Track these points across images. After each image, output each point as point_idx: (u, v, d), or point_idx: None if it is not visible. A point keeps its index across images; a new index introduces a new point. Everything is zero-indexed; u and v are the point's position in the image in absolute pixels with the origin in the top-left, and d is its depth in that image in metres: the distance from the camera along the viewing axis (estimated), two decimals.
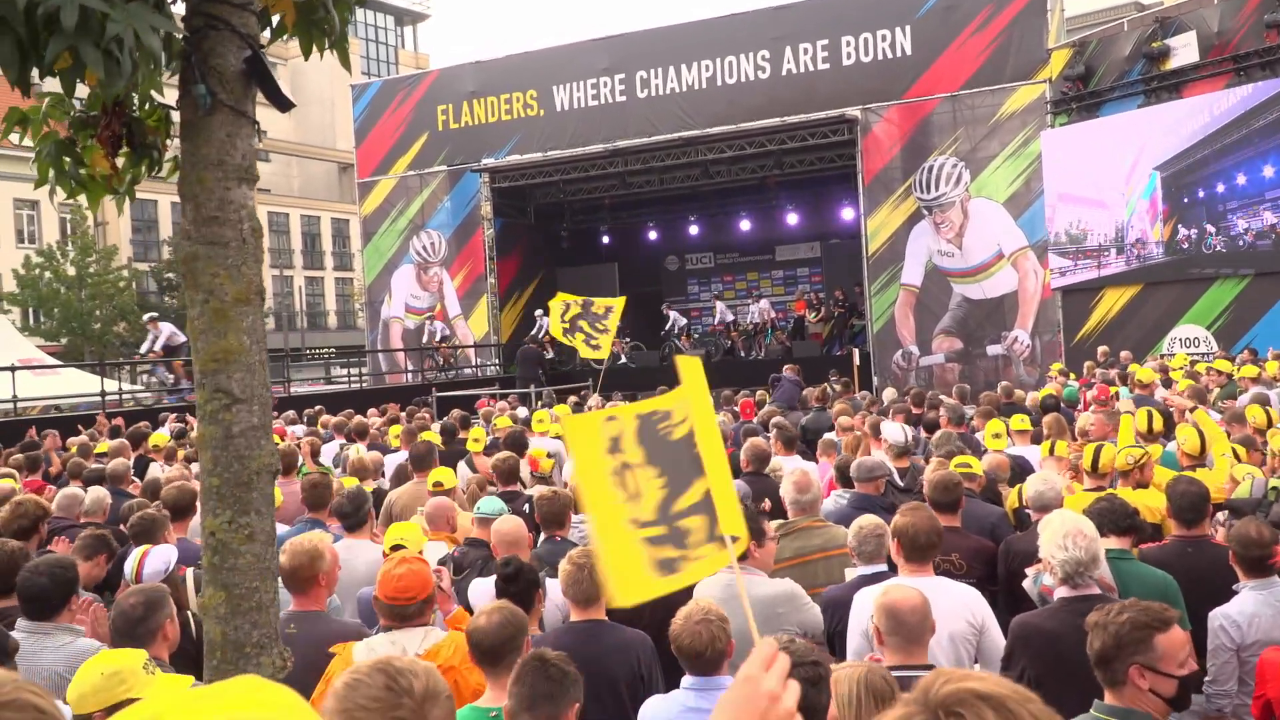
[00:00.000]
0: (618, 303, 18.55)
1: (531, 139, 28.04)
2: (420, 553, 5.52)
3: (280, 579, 5.32)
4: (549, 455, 9.81)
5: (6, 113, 2.81)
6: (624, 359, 27.35)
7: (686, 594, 5.45)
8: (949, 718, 1.28)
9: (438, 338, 28.46)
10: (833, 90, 24.19)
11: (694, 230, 31.73)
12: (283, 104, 2.49)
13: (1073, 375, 16.71)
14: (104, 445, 12.72)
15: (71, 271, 41.19)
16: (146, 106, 2.78)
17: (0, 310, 40.60)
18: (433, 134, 29.87)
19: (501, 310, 29.37)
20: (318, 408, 18.52)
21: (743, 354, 27.58)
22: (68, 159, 2.72)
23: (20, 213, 47.99)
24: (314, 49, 2.76)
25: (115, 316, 42.88)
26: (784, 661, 1.57)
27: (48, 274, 40.74)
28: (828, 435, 10.33)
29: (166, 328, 22.13)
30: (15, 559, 5.02)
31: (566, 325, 18.38)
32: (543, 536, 6.55)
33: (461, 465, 10.61)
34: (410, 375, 27.13)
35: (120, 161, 2.77)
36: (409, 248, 30.58)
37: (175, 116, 2.81)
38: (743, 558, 4.95)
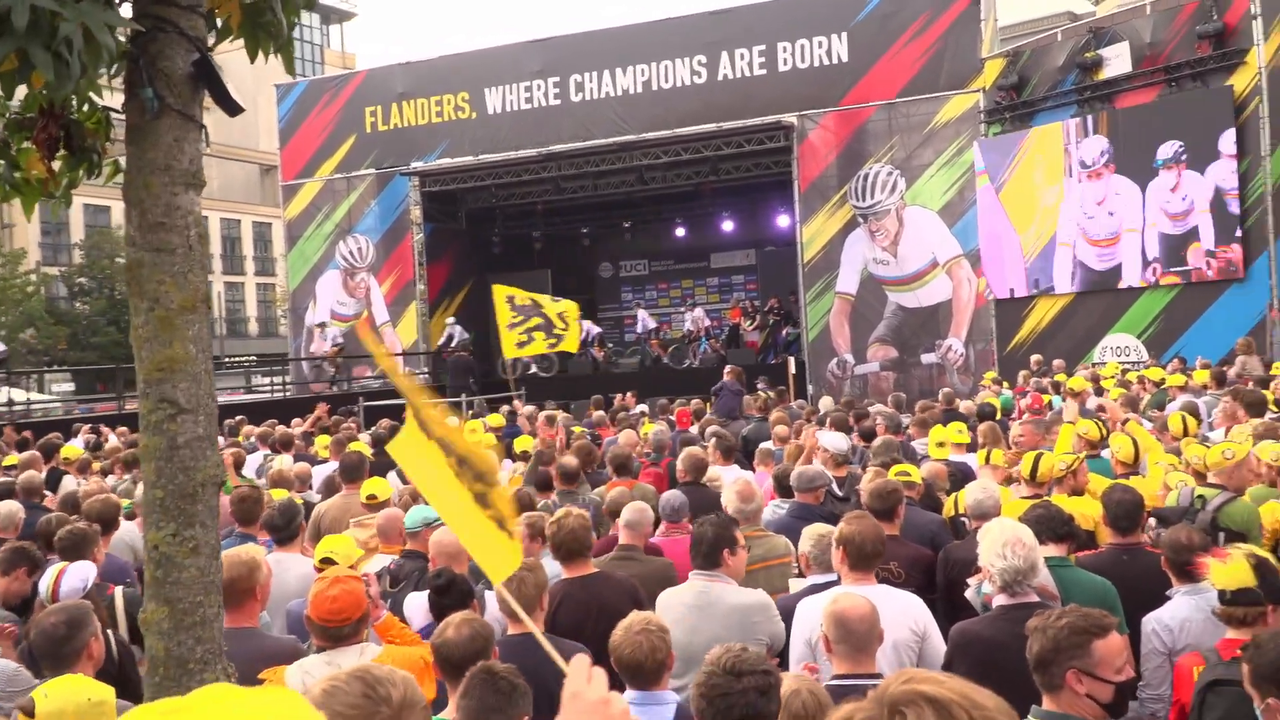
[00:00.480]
0: (569, 305, 18.55)
1: (463, 142, 27.93)
2: (353, 565, 5.50)
3: None
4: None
5: None
6: (536, 370, 27.28)
7: (628, 606, 5.52)
8: (894, 716, 1.35)
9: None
10: (769, 96, 24.48)
11: (628, 236, 31.85)
12: (232, 108, 2.50)
13: (1006, 384, 17.10)
14: (12, 458, 12.39)
15: None
16: (85, 109, 2.76)
17: None
18: (361, 136, 29.62)
19: (431, 317, 29.18)
20: (239, 418, 18.23)
21: (669, 362, 27.78)
22: (2, 162, 2.69)
23: None
24: (259, 52, 2.77)
25: (22, 323, 41.76)
26: (600, 673, 1.65)
27: None
28: (764, 444, 10.45)
29: None
30: None
31: (523, 338, 18.27)
32: None
33: (392, 475, 10.54)
34: (336, 385, 26.83)
35: (57, 165, 2.74)
36: (335, 253, 30.26)
37: (115, 119, 2.80)
38: (716, 566, 5.02)
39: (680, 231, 31.47)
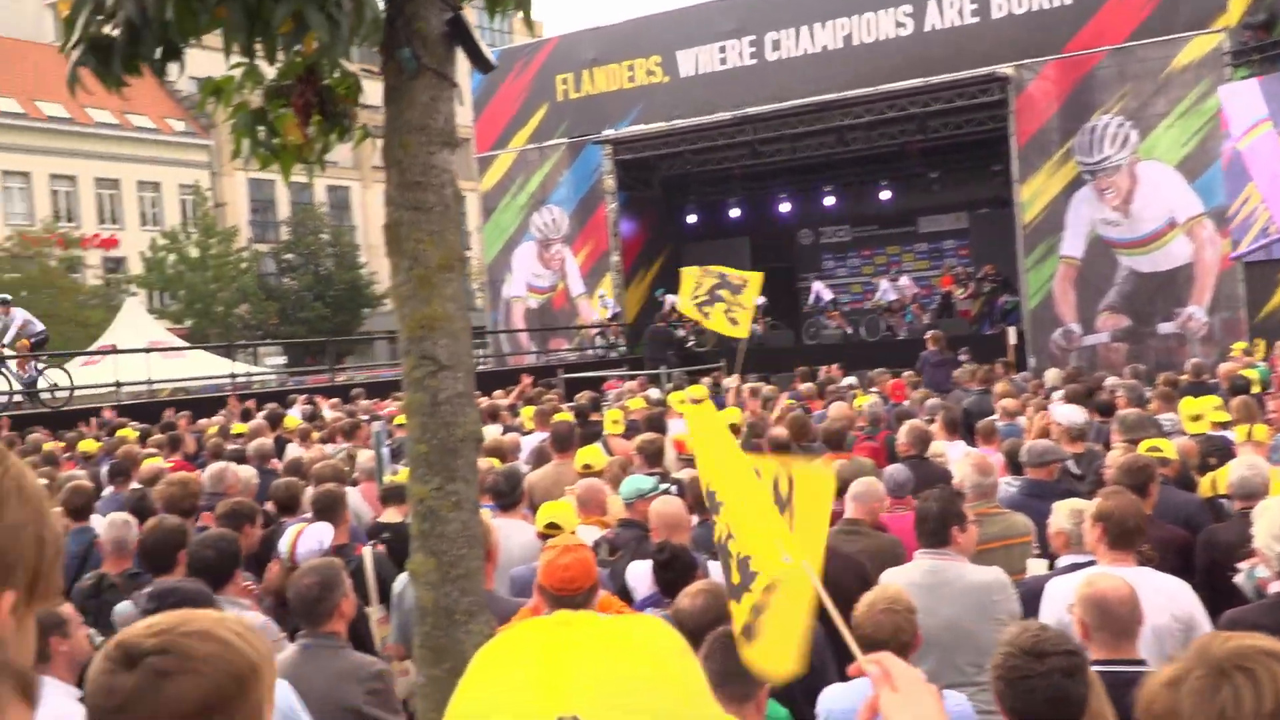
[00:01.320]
0: (754, 276, 18.45)
1: (655, 108, 28.07)
2: (573, 534, 5.64)
3: None
4: None
5: (202, 84, 2.97)
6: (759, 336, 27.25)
7: (855, 584, 5.46)
8: (1238, 673, 1.30)
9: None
10: (982, 47, 23.59)
11: (829, 201, 31.37)
12: (485, 65, 2.57)
13: (1260, 354, 16.03)
14: (240, 426, 13.30)
15: (195, 253, 42.99)
16: (336, 74, 2.90)
17: (129, 293, 42.69)
18: (552, 105, 30.17)
19: (626, 288, 29.53)
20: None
21: (863, 334, 27.31)
22: (261, 129, 2.87)
23: (144, 195, 50.27)
24: (498, 10, 2.85)
25: (237, 298, 44.60)
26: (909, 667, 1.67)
27: (172, 256, 42.60)
28: (989, 420, 10.15)
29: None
30: (175, 536, 5.30)
31: (703, 298, 18.34)
32: (696, 520, 6.61)
33: (596, 447, 10.78)
34: (535, 356, 27.54)
35: (311, 130, 2.90)
36: (530, 224, 31.01)
37: (365, 84, 2.93)
38: (945, 543, 4.92)
39: (885, 195, 30.77)
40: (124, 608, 5.30)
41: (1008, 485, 7.14)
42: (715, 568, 5.50)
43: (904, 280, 28.97)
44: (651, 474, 8.11)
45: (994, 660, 3.11)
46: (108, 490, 9.53)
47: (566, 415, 12.03)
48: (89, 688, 1.43)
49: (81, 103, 46.28)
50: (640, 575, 5.70)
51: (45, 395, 19.35)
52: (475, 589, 2.56)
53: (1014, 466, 7.42)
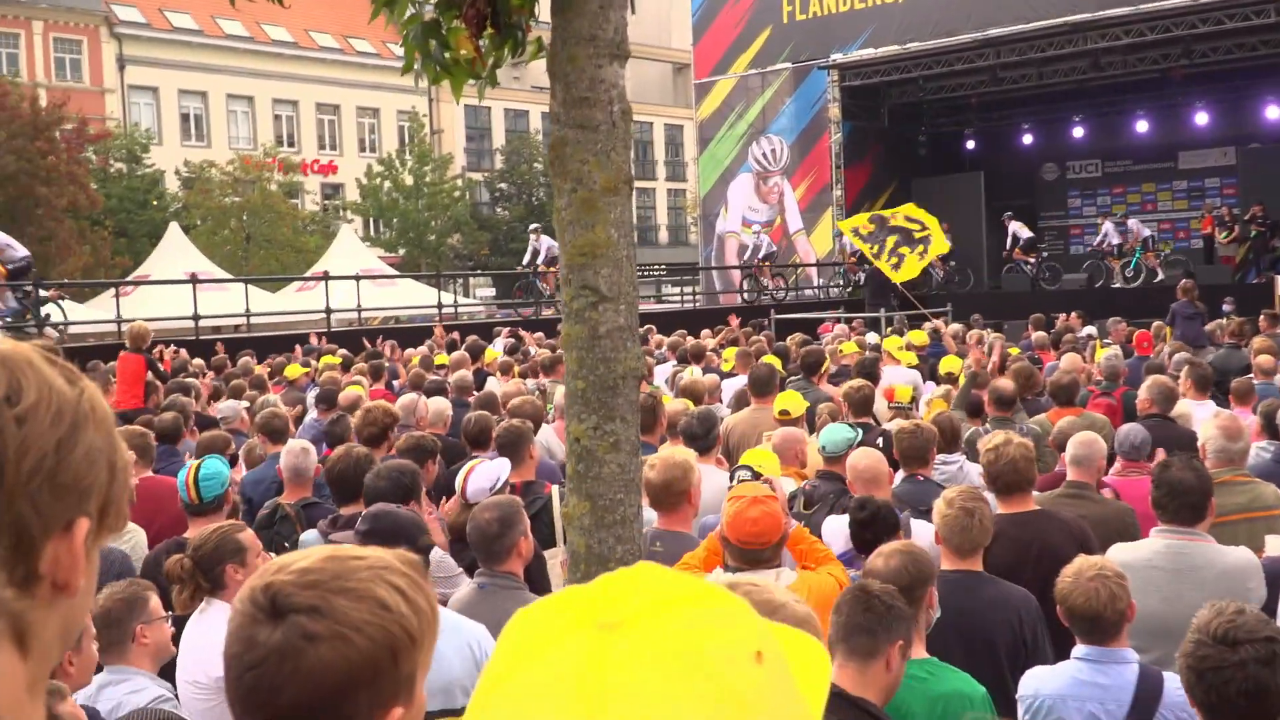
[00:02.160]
0: (932, 222, 18.01)
1: (887, 30, 27.22)
2: (767, 481, 5.55)
3: (646, 494, 5.58)
4: (908, 386, 9.62)
5: None
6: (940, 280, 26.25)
7: (1074, 551, 5.18)
8: None
9: (760, 254, 28.38)
10: None
11: (1078, 133, 29.87)
12: None
13: None
14: (442, 357, 13.77)
15: (409, 181, 44.65)
16: None
17: (344, 219, 44.84)
18: (776, 27, 29.70)
19: None
20: (647, 327, 19.17)
21: (1123, 281, 25.84)
22: (433, 42, 2.87)
23: (363, 121, 52.56)
24: None
25: (450, 228, 46.19)
26: None
27: (387, 183, 44.39)
28: (1244, 378, 9.45)
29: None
30: (361, 465, 5.47)
31: (894, 260, 18.08)
32: (902, 474, 6.44)
33: (795, 392, 10.64)
34: (745, 295, 27.44)
35: (483, 44, 2.87)
36: (748, 155, 30.78)
37: None
38: (1197, 521, 4.60)
39: (1142, 126, 29.04)
40: (309, 537, 5.55)
41: (1261, 451, 6.65)
42: (917, 526, 5.32)
43: (1132, 223, 27.18)
44: (858, 424, 7.93)
45: (1182, 648, 2.88)
46: (310, 416, 10.03)
47: (772, 358, 11.92)
48: (230, 626, 1.41)
49: (305, 26, 48.66)
50: (835, 531, 5.58)
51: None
52: (631, 536, 2.52)
53: (1270, 430, 6.89)
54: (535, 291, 24.81)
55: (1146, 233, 26.70)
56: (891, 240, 17.99)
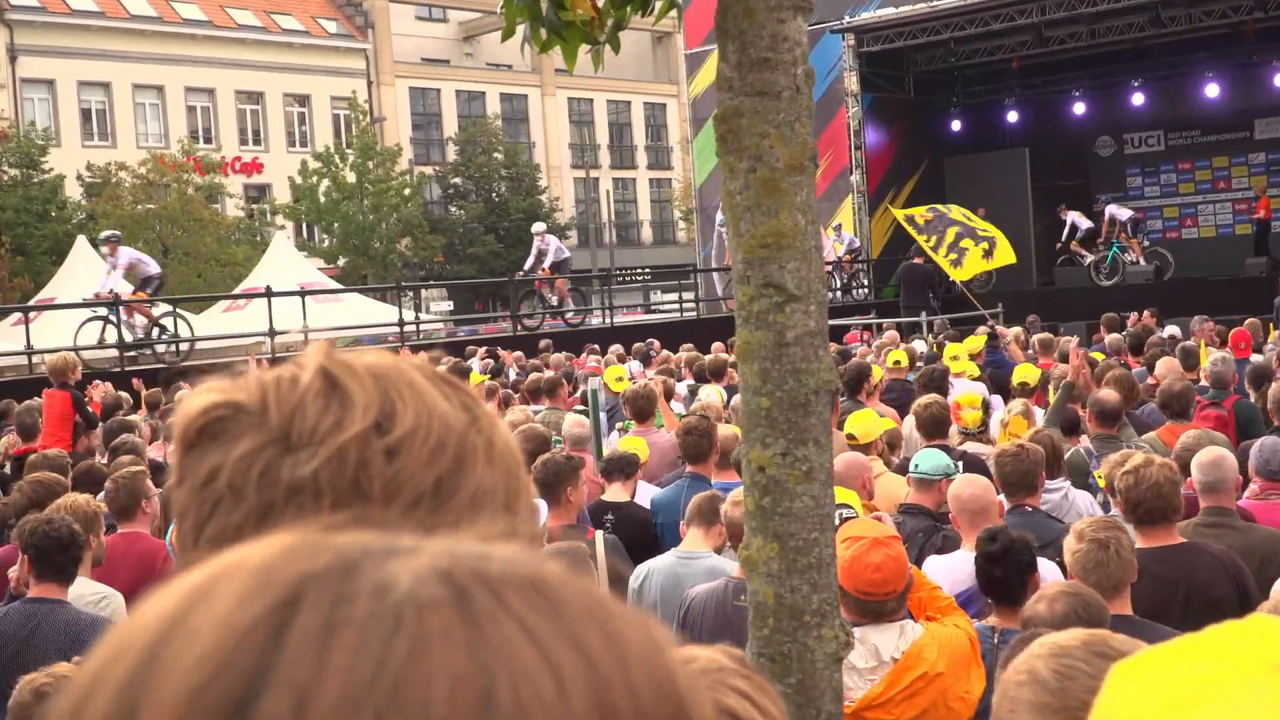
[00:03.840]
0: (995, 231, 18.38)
1: None
2: (877, 518, 5.52)
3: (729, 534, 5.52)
4: (978, 402, 9.63)
5: None
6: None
7: (1227, 587, 5.21)
8: None
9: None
10: None
11: (1137, 100, 30.07)
12: None
13: None
14: None
15: (351, 178, 44.55)
16: None
17: (275, 225, 44.69)
18: None
19: (871, 215, 29.10)
20: (649, 341, 19.13)
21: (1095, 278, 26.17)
22: (545, 2, 2.82)
23: (290, 110, 52.50)
24: None
25: (398, 232, 46.08)
26: None
27: (325, 182, 44.28)
28: None
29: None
30: None
31: (954, 256, 18.33)
32: (1006, 504, 6.43)
33: (868, 411, 10.63)
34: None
35: (602, 1, 2.83)
36: None
37: None
38: None
39: (1211, 91, 29.28)
40: None
41: None
42: (1049, 569, 5.29)
43: (1114, 208, 27.27)
44: (935, 446, 7.94)
45: None
46: None
47: None
48: None
49: (221, 3, 48.62)
50: (941, 573, 5.54)
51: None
52: (829, 582, 2.48)
53: None
54: (539, 300, 24.88)
55: (1126, 217, 26.81)
56: (952, 233, 18.17)
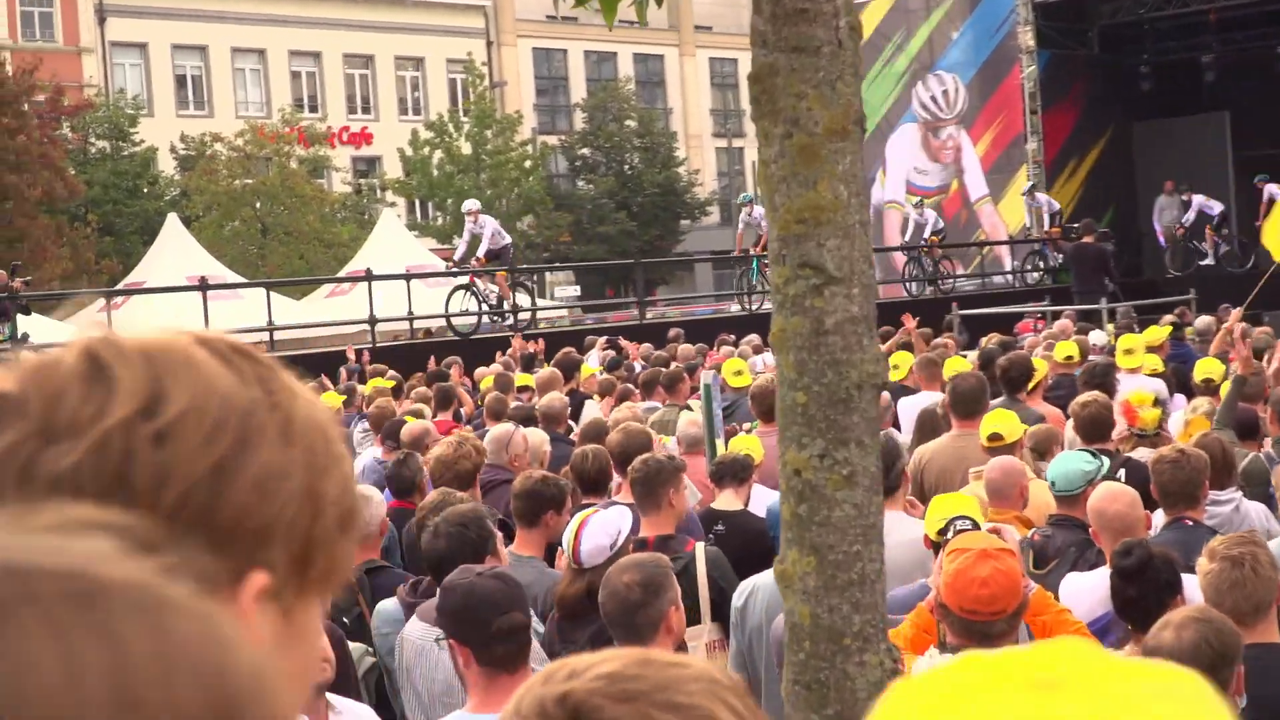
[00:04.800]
0: None
1: None
2: (994, 531, 5.44)
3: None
4: (1154, 401, 9.39)
5: None
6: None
7: None
8: None
9: (926, 231, 28.00)
10: None
11: None
12: None
13: None
14: (525, 378, 13.84)
15: (467, 149, 44.96)
16: None
17: (385, 202, 45.33)
18: None
19: (1050, 188, 28.62)
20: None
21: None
22: None
23: (403, 75, 53.22)
24: None
25: (520, 209, 46.42)
26: None
27: (438, 154, 44.76)
28: None
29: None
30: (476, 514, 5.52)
31: None
32: (1163, 518, 6.30)
33: (1010, 411, 10.49)
34: (911, 285, 27.17)
35: None
36: (911, 99, 30.53)
37: None
38: None
39: None
40: (388, 608, 5.57)
41: None
42: (1191, 583, 5.16)
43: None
44: (1092, 450, 7.78)
45: None
46: (369, 455, 10.13)
47: (966, 364, 11.73)
48: None
49: None
50: (1078, 593, 5.46)
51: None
52: (874, 602, 2.46)
53: None
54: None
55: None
56: None
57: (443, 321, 22.24)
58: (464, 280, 21.81)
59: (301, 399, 1.02)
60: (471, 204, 23.69)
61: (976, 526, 4.85)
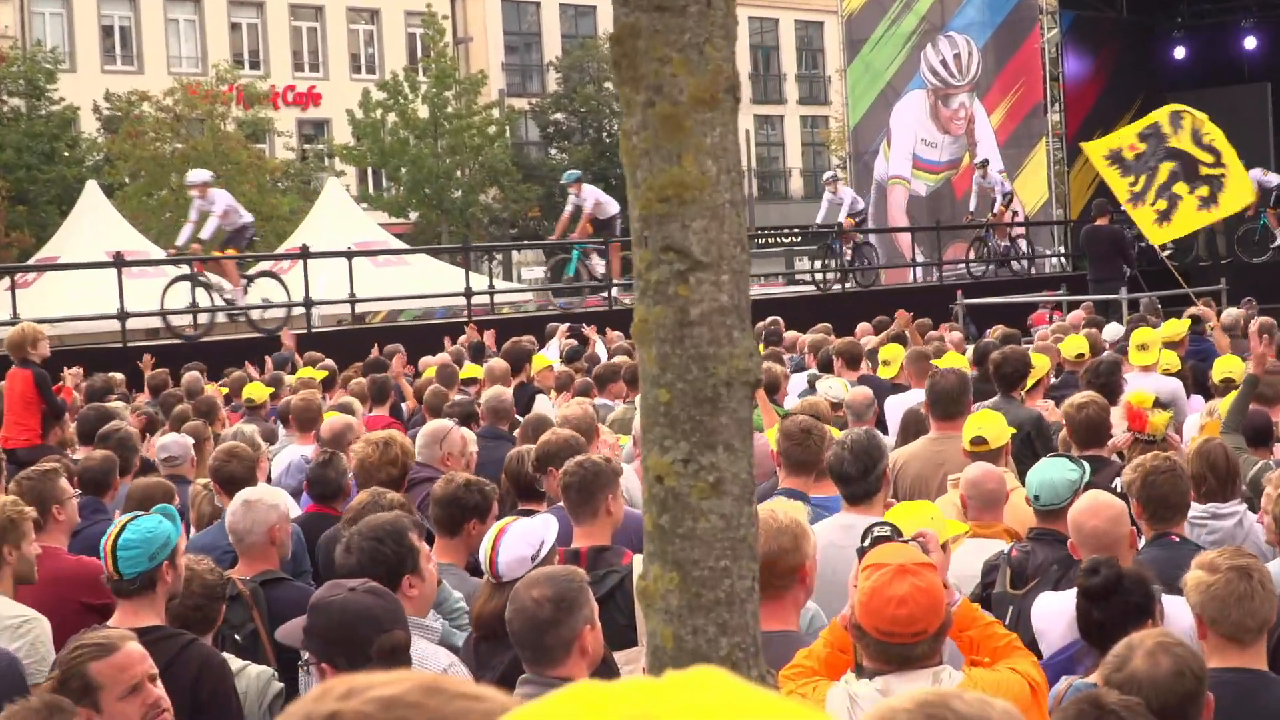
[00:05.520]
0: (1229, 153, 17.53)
1: None
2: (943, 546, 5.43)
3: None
4: (1159, 404, 9.44)
5: None
6: None
7: None
8: None
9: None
10: None
11: None
12: None
13: None
14: (473, 369, 13.83)
15: (424, 113, 44.85)
16: None
17: (332, 171, 45.19)
18: None
19: (1071, 165, 28.70)
20: (773, 319, 19.03)
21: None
22: None
23: (356, 28, 53.11)
24: None
25: (484, 180, 46.34)
26: None
27: (392, 117, 44.64)
28: None
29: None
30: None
31: (1162, 206, 17.66)
32: (1146, 533, 6.34)
33: (993, 412, 10.53)
34: (921, 270, 27.24)
35: None
36: (919, 64, 30.57)
37: None
38: None
39: None
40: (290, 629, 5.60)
41: None
42: (1172, 605, 5.20)
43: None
44: (1087, 457, 7.81)
45: None
46: (296, 453, 10.14)
47: (959, 360, 11.76)
48: None
49: None
50: (1052, 615, 5.48)
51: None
52: (744, 623, 2.46)
53: None
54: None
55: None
56: (1165, 171, 17.50)
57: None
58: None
59: None
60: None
61: (899, 534, 4.83)
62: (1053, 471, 6.49)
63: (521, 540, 5.47)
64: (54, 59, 42.56)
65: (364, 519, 5.58)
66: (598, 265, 23.13)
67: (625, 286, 22.62)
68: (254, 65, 49.43)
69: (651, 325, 2.42)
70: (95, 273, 23.44)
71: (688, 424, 2.40)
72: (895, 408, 10.87)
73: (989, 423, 7.97)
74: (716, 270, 2.40)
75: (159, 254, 29.10)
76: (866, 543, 4.61)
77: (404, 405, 13.21)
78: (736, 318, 2.43)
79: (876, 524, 4.91)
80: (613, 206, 23.20)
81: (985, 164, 27.62)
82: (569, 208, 23.55)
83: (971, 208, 27.63)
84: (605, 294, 23.48)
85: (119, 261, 20.15)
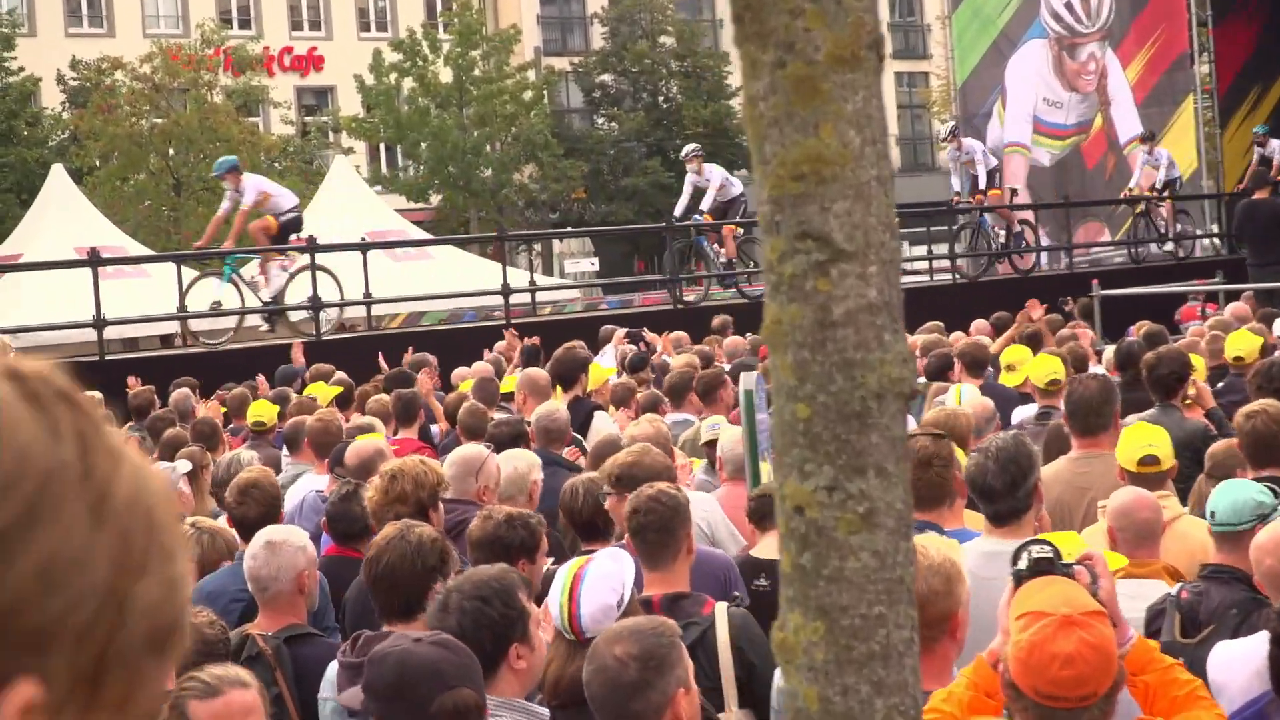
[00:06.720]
0: None
1: None
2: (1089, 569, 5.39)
3: None
4: None
5: None
6: None
7: None
8: None
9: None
10: None
11: None
12: None
13: None
14: (510, 380, 13.85)
15: (447, 77, 44.90)
16: None
17: (338, 147, 45.31)
18: None
19: (1224, 126, 28.59)
20: None
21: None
22: None
23: None
24: None
25: (518, 155, 46.41)
26: None
27: (409, 82, 44.70)
28: None
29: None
30: (424, 557, 5.58)
31: None
32: None
33: (1152, 425, 10.52)
34: (1046, 256, 27.15)
35: None
36: (1037, 7, 30.50)
37: None
38: None
39: None
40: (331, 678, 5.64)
41: None
42: None
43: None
44: (1264, 478, 7.79)
45: None
46: (311, 488, 10.18)
47: (1055, 363, 11.71)
48: None
49: None
50: (1235, 664, 5.47)
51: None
52: (902, 682, 2.46)
53: None
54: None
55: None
56: None
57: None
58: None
59: (128, 469, 1.03)
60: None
61: (1059, 556, 4.75)
62: (1242, 491, 6.48)
63: (604, 586, 5.40)
64: (11, 23, 42.83)
65: (465, 574, 5.50)
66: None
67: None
68: (244, 25, 49.74)
69: (786, 327, 2.41)
70: (65, 273, 23.55)
71: (832, 444, 2.38)
72: (1020, 419, 10.92)
73: (1160, 439, 7.95)
74: (863, 260, 2.38)
75: (138, 249, 29.40)
76: (1023, 565, 4.49)
77: (434, 427, 13.21)
78: (887, 317, 2.42)
79: (1033, 542, 4.77)
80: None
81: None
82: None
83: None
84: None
85: (94, 260, 20.24)
